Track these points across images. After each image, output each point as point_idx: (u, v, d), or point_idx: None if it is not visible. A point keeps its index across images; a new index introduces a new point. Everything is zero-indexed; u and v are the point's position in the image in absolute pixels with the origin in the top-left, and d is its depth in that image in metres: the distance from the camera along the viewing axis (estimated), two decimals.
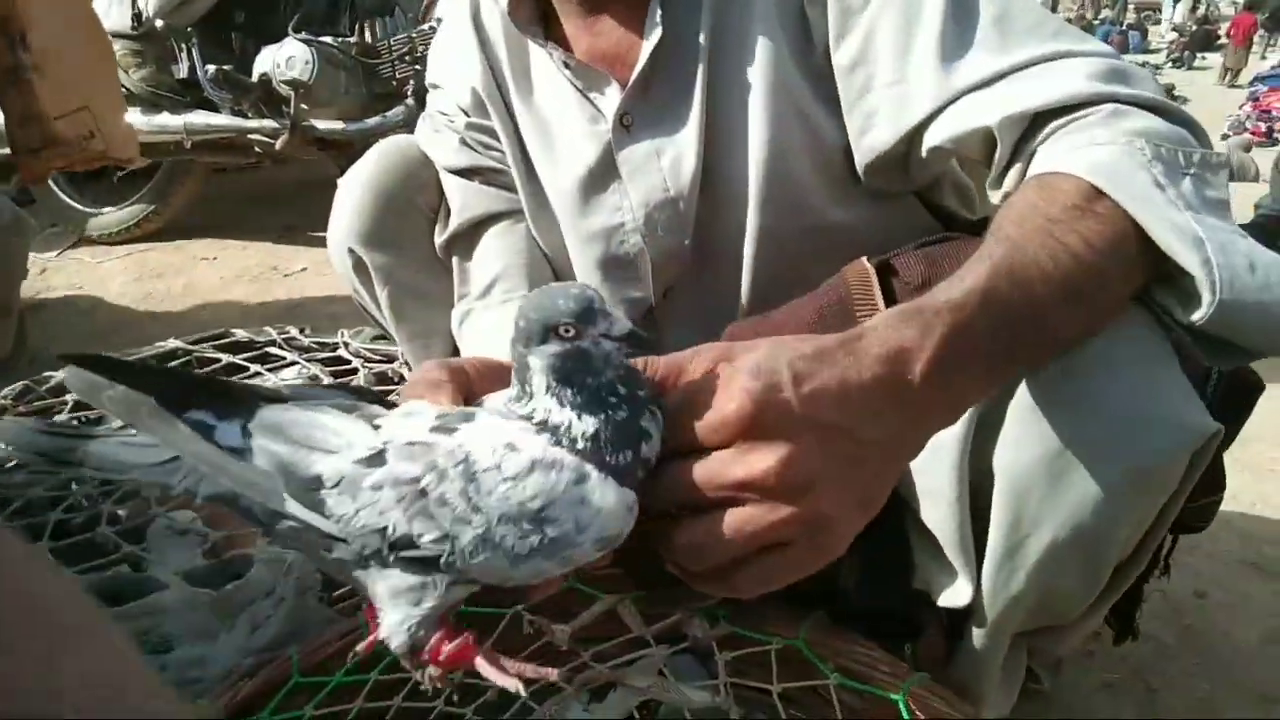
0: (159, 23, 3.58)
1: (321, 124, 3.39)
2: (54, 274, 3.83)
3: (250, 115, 3.53)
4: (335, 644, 0.93)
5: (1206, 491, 0.89)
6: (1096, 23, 19.44)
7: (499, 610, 1.00)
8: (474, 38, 1.19)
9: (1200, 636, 1.55)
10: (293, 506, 0.61)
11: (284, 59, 3.31)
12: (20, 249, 2.65)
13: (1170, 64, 15.81)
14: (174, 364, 1.77)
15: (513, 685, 0.63)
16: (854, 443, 0.60)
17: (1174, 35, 17.52)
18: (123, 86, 3.55)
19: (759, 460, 0.58)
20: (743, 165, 1.04)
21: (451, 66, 1.24)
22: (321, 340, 1.84)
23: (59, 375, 1.71)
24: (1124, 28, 19.20)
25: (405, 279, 1.26)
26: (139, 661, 0.33)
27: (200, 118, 3.61)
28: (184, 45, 3.63)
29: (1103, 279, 0.70)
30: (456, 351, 1.25)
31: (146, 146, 3.70)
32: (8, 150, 2.37)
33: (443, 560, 0.60)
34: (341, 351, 1.79)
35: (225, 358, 1.77)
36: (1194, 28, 17.63)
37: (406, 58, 3.42)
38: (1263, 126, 7.56)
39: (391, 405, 0.67)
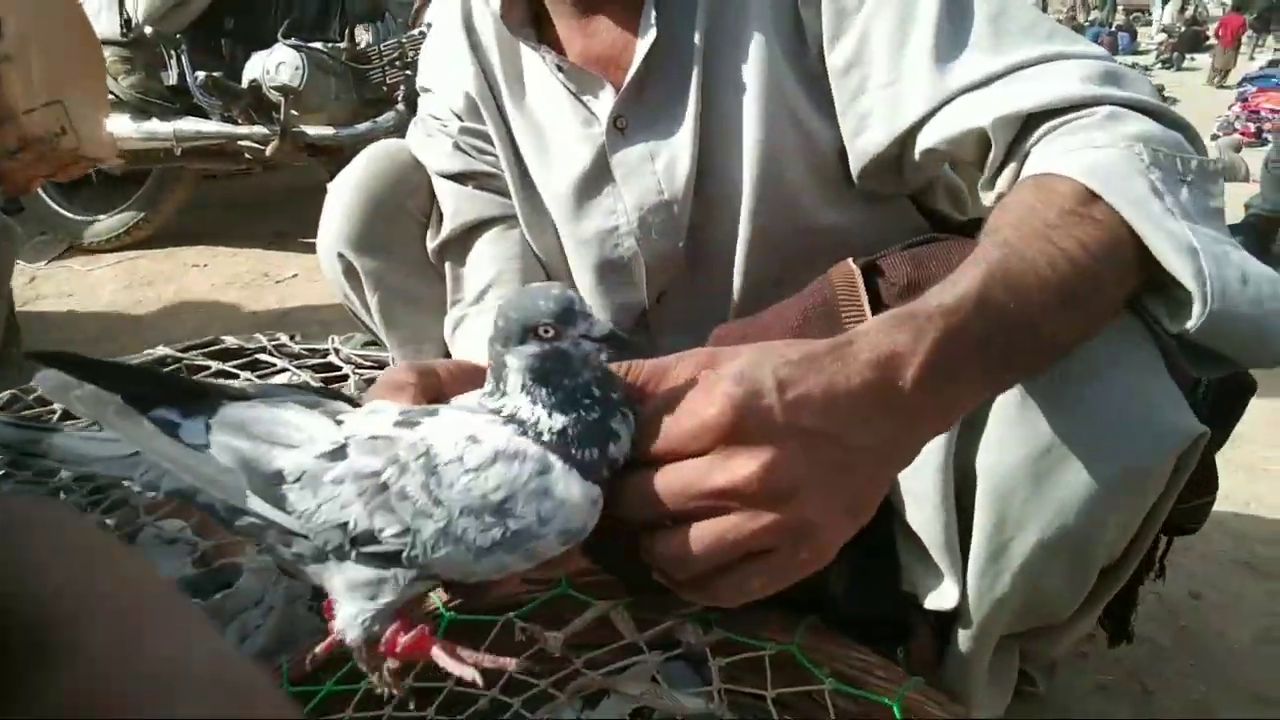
0: (148, 29, 3.57)
1: (312, 130, 3.38)
2: (44, 282, 3.81)
3: (240, 121, 3.52)
4: (325, 653, 0.93)
5: (1198, 493, 0.89)
6: (1086, 24, 19.49)
7: (491, 618, 0.99)
8: (465, 41, 1.19)
9: (1195, 637, 1.55)
10: (254, 502, 0.61)
11: (274, 65, 3.30)
12: (6, 255, 2.62)
13: (1160, 65, 15.85)
14: (164, 370, 1.76)
15: (469, 674, 0.62)
16: (842, 449, 0.59)
17: (1163, 36, 17.57)
18: (112, 93, 3.54)
19: (740, 466, 0.57)
20: (737, 168, 1.04)
21: (443, 70, 1.23)
22: (312, 347, 1.83)
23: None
24: (1113, 29, 19.25)
25: (396, 284, 1.25)
26: (220, 639, 0.34)
27: (190, 124, 3.59)
28: (173, 52, 3.62)
29: (1098, 284, 0.69)
30: (448, 357, 1.24)
31: (136, 154, 3.70)
32: None
33: (404, 555, 0.59)
34: (332, 358, 1.78)
35: (214, 365, 1.76)
36: (1182, 29, 17.68)
37: (397, 63, 3.42)
38: (1252, 127, 7.59)
39: (358, 405, 0.67)
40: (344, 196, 1.25)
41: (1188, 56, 16.28)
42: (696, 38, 1.04)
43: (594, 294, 1.17)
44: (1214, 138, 6.98)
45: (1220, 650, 1.52)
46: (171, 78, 3.66)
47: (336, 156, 3.33)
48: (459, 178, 1.22)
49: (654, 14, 1.03)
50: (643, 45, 1.03)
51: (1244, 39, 15.17)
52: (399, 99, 3.41)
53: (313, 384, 1.65)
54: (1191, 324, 0.69)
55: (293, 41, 3.36)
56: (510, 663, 0.66)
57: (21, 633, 0.30)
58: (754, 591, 0.62)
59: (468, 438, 0.60)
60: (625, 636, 0.99)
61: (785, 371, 0.58)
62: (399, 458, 0.60)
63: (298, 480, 0.60)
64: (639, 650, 0.97)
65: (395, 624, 0.63)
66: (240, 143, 3.54)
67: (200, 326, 3.16)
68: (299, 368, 1.74)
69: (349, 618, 0.62)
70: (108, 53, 3.49)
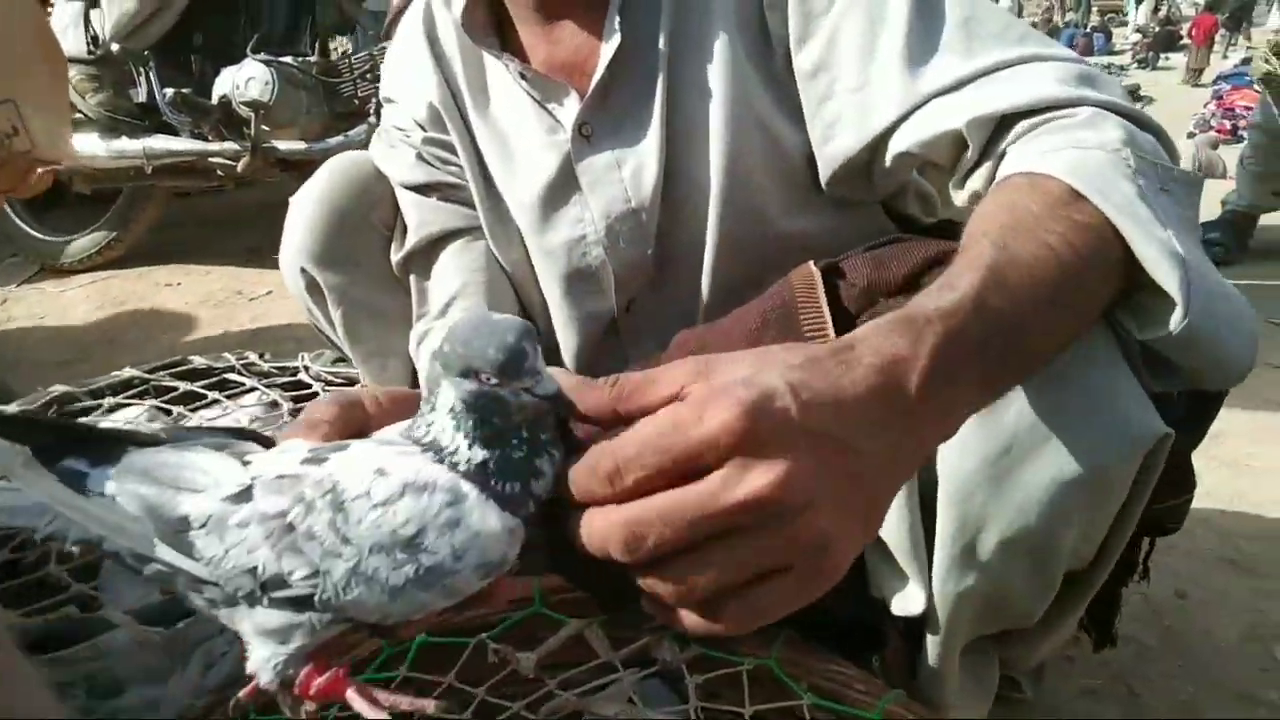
0: (115, 46, 3.53)
1: (283, 145, 3.35)
2: (15, 304, 3.77)
3: (211, 138, 3.48)
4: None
5: (1176, 492, 0.88)
6: (1062, 25, 19.63)
7: (463, 640, 0.98)
8: (428, 51, 1.18)
9: (1181, 637, 1.54)
10: (162, 550, 0.59)
11: (243, 80, 3.26)
12: None
13: (1135, 65, 15.97)
14: (131, 393, 1.73)
15: (383, 716, 0.60)
16: (853, 456, 0.56)
17: (1137, 37, 17.70)
18: (80, 111, 3.50)
19: (758, 478, 0.53)
20: (704, 174, 1.03)
21: (406, 81, 1.22)
22: (281, 365, 1.79)
23: (11, 409, 1.66)
24: (1088, 30, 19.40)
25: (360, 298, 1.23)
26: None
27: (160, 142, 3.55)
28: (142, 69, 3.59)
29: (1083, 284, 0.68)
30: (414, 371, 1.22)
31: (106, 172, 3.66)
32: None
33: (316, 598, 0.57)
34: (302, 375, 1.74)
35: (183, 385, 1.73)
36: (1156, 29, 17.82)
37: (368, 76, 3.38)
38: (1228, 124, 7.63)
39: (273, 445, 0.65)
40: (306, 210, 1.22)
41: (1162, 56, 16.41)
42: (661, 42, 1.02)
43: (562, 304, 1.15)
44: (1190, 135, 7.03)
45: (1206, 649, 1.51)
46: (140, 95, 3.62)
47: (309, 171, 3.29)
48: (423, 189, 1.20)
49: (618, 19, 1.02)
50: (607, 50, 1.02)
51: (1217, 38, 15.31)
52: (371, 112, 3.38)
53: (280, 401, 1.62)
54: (1174, 326, 0.68)
55: (262, 56, 3.32)
56: (429, 705, 0.63)
57: None
58: (767, 615, 0.57)
59: (375, 471, 0.57)
60: (600, 655, 0.97)
61: (794, 375, 0.55)
62: (305, 496, 0.57)
63: (204, 525, 0.58)
64: (614, 669, 0.96)
65: (309, 666, 0.60)
66: (211, 159, 3.50)
67: (174, 346, 3.13)
68: (268, 386, 1.70)
69: (261, 661, 0.60)
70: (75, 71, 3.45)
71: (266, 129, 3.34)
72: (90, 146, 3.53)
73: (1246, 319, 0.73)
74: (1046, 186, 0.71)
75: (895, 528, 0.82)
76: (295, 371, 1.77)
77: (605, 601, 0.94)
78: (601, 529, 0.56)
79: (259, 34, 3.45)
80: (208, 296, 3.70)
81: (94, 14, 3.55)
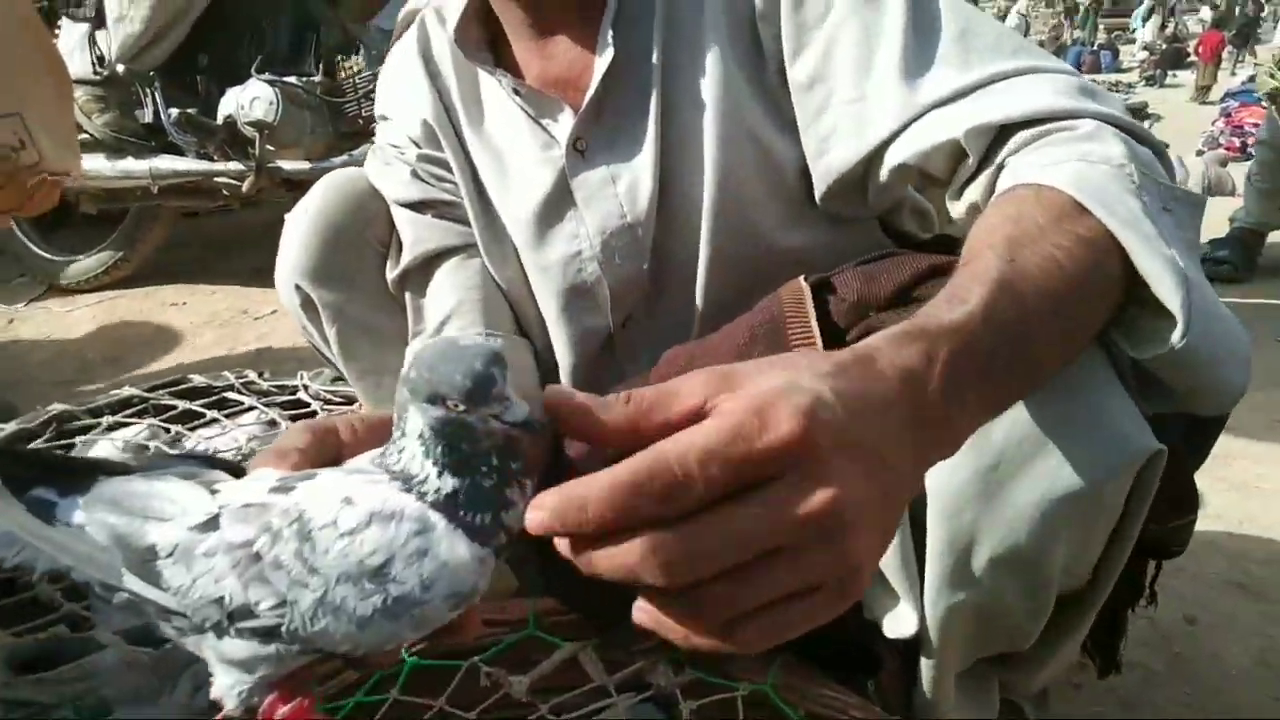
0: (121, 68, 3.55)
1: (288, 164, 3.36)
2: (21, 323, 3.78)
3: (216, 158, 3.50)
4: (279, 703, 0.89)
5: (1178, 513, 0.87)
6: (1070, 43, 19.64)
7: (455, 662, 0.96)
8: (423, 69, 1.17)
9: (1189, 664, 1.51)
10: (129, 580, 0.58)
11: (248, 100, 3.28)
12: None
13: (1143, 82, 15.97)
14: (130, 412, 1.73)
15: None
16: (885, 470, 0.53)
17: (1145, 54, 17.71)
18: (86, 132, 3.51)
19: (822, 493, 0.49)
20: (698, 189, 1.02)
21: (401, 98, 1.21)
22: (280, 383, 1.79)
23: (9, 428, 1.66)
24: (1095, 48, 19.41)
25: (355, 315, 1.22)
26: None
27: (165, 162, 3.56)
28: (147, 90, 3.60)
29: (1085, 298, 0.67)
30: None
31: (113, 192, 3.67)
32: None
33: (284, 629, 0.56)
34: (301, 394, 1.74)
35: (182, 404, 1.73)
36: (1164, 46, 17.82)
37: (372, 95, 3.40)
38: (1236, 141, 7.61)
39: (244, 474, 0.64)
40: (301, 226, 1.21)
41: (1170, 73, 16.41)
42: (654, 56, 1.02)
43: (558, 321, 1.14)
44: (1199, 153, 7.01)
45: (1215, 675, 1.49)
46: (146, 116, 3.63)
47: None
48: (418, 206, 1.19)
49: (611, 33, 1.01)
50: (600, 64, 1.02)
51: (1225, 55, 15.31)
52: (374, 132, 3.38)
53: (279, 420, 1.61)
54: (1175, 342, 0.66)
55: (266, 76, 3.34)
56: None
57: None
58: (783, 635, 0.53)
59: (342, 500, 0.56)
60: (593, 679, 0.95)
61: (833, 384, 0.52)
62: (272, 525, 0.56)
63: (171, 555, 0.57)
64: (608, 693, 0.94)
65: (273, 695, 0.59)
66: (216, 179, 3.51)
67: (178, 365, 3.13)
68: (267, 405, 1.70)
69: (226, 688, 0.59)
70: (81, 92, 3.47)
71: (271, 149, 3.35)
72: (96, 167, 3.54)
73: (1241, 344, 0.72)
74: (1051, 199, 0.70)
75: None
76: (294, 390, 1.77)
77: (599, 618, 0.93)
78: (643, 552, 0.49)
79: (264, 54, 3.46)
80: (213, 316, 3.71)
81: (100, 35, 3.58)
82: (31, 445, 1.57)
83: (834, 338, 0.83)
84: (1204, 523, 1.87)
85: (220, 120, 3.38)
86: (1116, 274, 0.68)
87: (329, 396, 1.72)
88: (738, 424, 0.50)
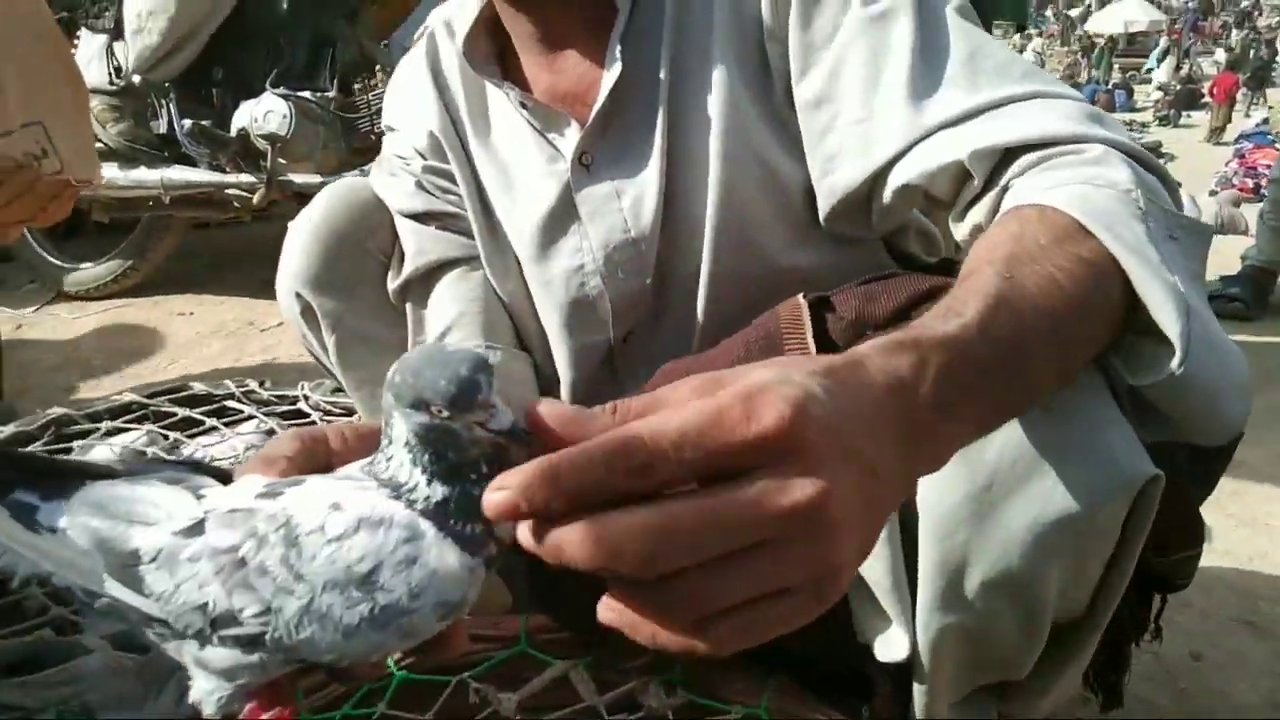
0: (137, 78, 3.57)
1: (299, 177, 3.36)
2: (29, 330, 3.79)
3: (228, 169, 3.51)
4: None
5: (1183, 546, 0.85)
6: (1084, 83, 19.72)
7: (444, 678, 0.95)
8: (430, 80, 1.17)
9: (1195, 700, 1.48)
10: (111, 586, 0.57)
11: (261, 113, 3.29)
12: None
13: (1157, 122, 16.03)
14: (130, 418, 1.72)
15: None
16: (873, 474, 0.51)
17: (1159, 94, 17.78)
18: (100, 141, 3.53)
19: (807, 487, 0.47)
20: (701, 206, 1.01)
21: (408, 109, 1.21)
22: (280, 393, 1.79)
23: (8, 430, 1.65)
24: (1110, 87, 19.49)
25: (354, 325, 1.21)
26: None
27: (177, 173, 3.57)
28: (163, 101, 3.63)
29: (1085, 319, 0.66)
30: None
31: (124, 201, 3.68)
32: None
33: (268, 637, 0.55)
34: (301, 405, 1.74)
35: (182, 411, 1.72)
36: (1178, 87, 17.90)
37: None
38: (1250, 182, 7.64)
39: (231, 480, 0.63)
40: (303, 234, 1.21)
41: (1184, 114, 16.48)
42: (663, 72, 1.02)
43: (560, 335, 1.13)
44: (1212, 193, 7.03)
45: (1223, 713, 1.46)
46: (161, 126, 3.65)
47: None
48: (421, 217, 1.19)
49: (619, 48, 1.01)
50: (608, 79, 1.01)
51: (1239, 96, 15.37)
52: None
53: (278, 429, 1.60)
54: (1174, 368, 0.65)
55: (280, 90, 3.36)
56: None
57: None
58: (757, 637, 0.50)
59: (330, 505, 0.55)
60: (584, 699, 0.94)
61: (824, 382, 0.51)
62: (258, 530, 0.55)
63: (154, 560, 0.56)
64: (599, 713, 0.93)
65: (252, 703, 0.59)
66: (228, 191, 3.52)
67: (184, 375, 3.12)
68: (267, 414, 1.70)
69: (205, 693, 0.58)
70: (97, 101, 3.49)
71: (283, 161, 3.36)
72: (109, 176, 3.55)
73: (1242, 375, 0.71)
74: (1054, 219, 0.69)
75: (877, 566, 0.79)
76: (294, 400, 1.76)
77: (586, 632, 0.92)
78: (613, 535, 0.47)
79: (279, 69, 3.47)
80: (220, 326, 3.71)
81: (118, 46, 3.60)
82: (28, 449, 1.56)
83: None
84: (1213, 559, 1.85)
85: (233, 132, 3.40)
86: (1117, 298, 0.67)
87: (329, 407, 1.72)
88: (721, 409, 0.48)
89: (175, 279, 4.24)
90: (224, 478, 0.63)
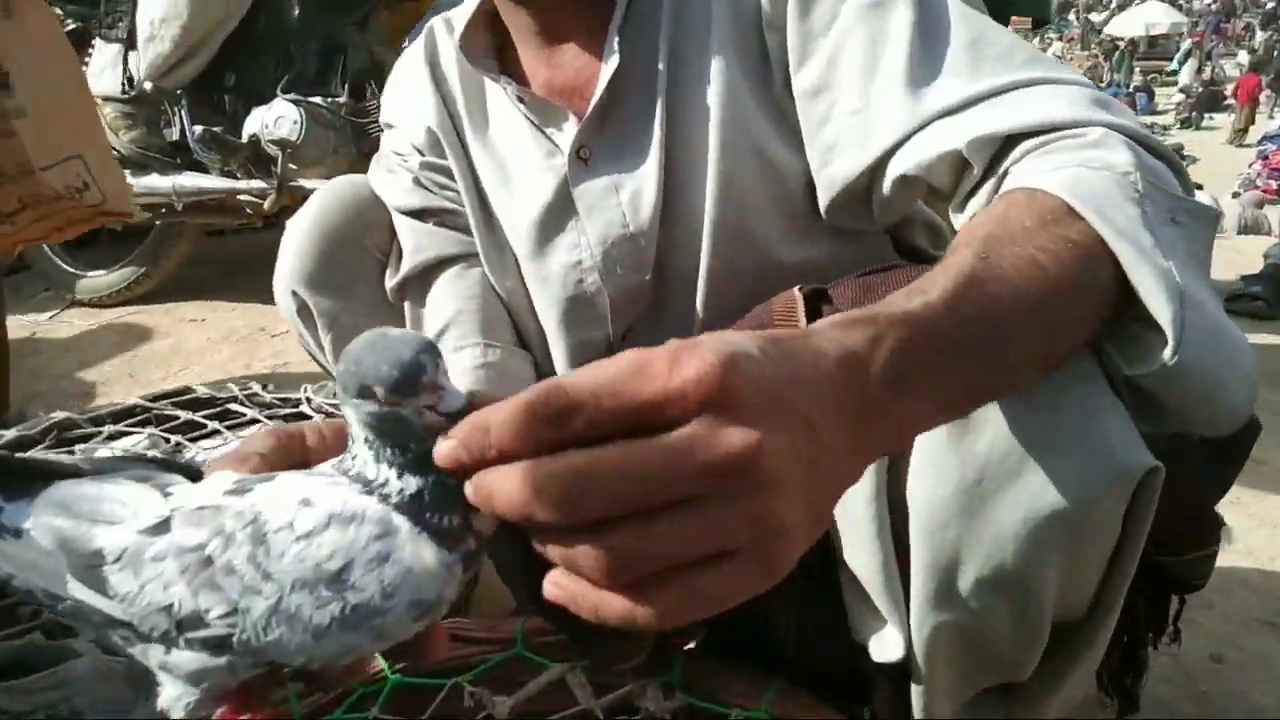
0: (149, 86, 3.59)
1: (310, 183, 3.36)
2: (44, 336, 3.80)
3: (239, 176, 3.52)
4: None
5: (1196, 545, 0.82)
6: (1104, 86, 19.63)
7: (438, 681, 0.93)
8: (428, 75, 1.16)
9: (1216, 703, 1.45)
10: (74, 587, 0.55)
11: (272, 119, 3.30)
12: None
13: (1179, 125, 15.93)
14: (132, 421, 1.71)
15: None
16: (816, 441, 0.50)
17: (1181, 97, 17.68)
18: (113, 149, 3.55)
19: (734, 439, 0.46)
20: (701, 200, 0.99)
21: (406, 105, 1.20)
22: (283, 396, 1.77)
23: (9, 434, 1.65)
24: (1130, 90, 19.37)
25: (350, 323, 1.19)
26: None
27: (189, 179, 3.58)
28: (175, 108, 3.64)
29: (1075, 306, 0.64)
30: None
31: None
32: None
33: (235, 639, 0.52)
34: (304, 407, 1.72)
35: (185, 414, 1.71)
36: (1200, 89, 17.78)
37: None
38: (1274, 184, 7.58)
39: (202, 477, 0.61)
40: (300, 232, 1.20)
41: (1206, 116, 16.36)
42: (660, 64, 1.00)
43: (558, 331, 1.12)
44: (1236, 194, 6.99)
45: (1244, 715, 1.42)
46: (173, 133, 3.66)
47: None
48: (419, 214, 1.18)
49: (617, 40, 0.99)
50: (606, 72, 1.00)
51: (1262, 98, 15.27)
52: None
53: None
54: (1167, 359, 0.63)
55: (292, 96, 3.36)
56: None
57: None
58: (706, 604, 0.48)
59: (300, 501, 0.53)
60: (580, 702, 0.92)
61: (764, 344, 0.50)
62: (225, 528, 0.53)
63: (118, 560, 0.54)
64: (596, 717, 0.91)
65: (223, 708, 0.56)
66: (239, 197, 3.53)
67: (194, 380, 3.12)
68: (270, 417, 1.68)
69: (172, 698, 0.56)
70: (109, 109, 3.51)
71: (294, 167, 3.36)
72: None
73: (1246, 365, 0.68)
74: (1042, 202, 0.67)
75: (869, 563, 0.76)
76: (297, 403, 1.74)
77: (580, 633, 0.90)
78: (535, 477, 0.46)
79: (290, 75, 3.48)
80: (230, 332, 3.72)
81: (131, 56, 3.62)
82: (30, 453, 1.55)
83: None
84: (1234, 559, 1.82)
85: (245, 138, 3.40)
86: (1108, 281, 0.64)
87: (331, 410, 1.70)
88: (644, 360, 0.48)
89: (187, 286, 4.25)
90: (195, 475, 0.61)
